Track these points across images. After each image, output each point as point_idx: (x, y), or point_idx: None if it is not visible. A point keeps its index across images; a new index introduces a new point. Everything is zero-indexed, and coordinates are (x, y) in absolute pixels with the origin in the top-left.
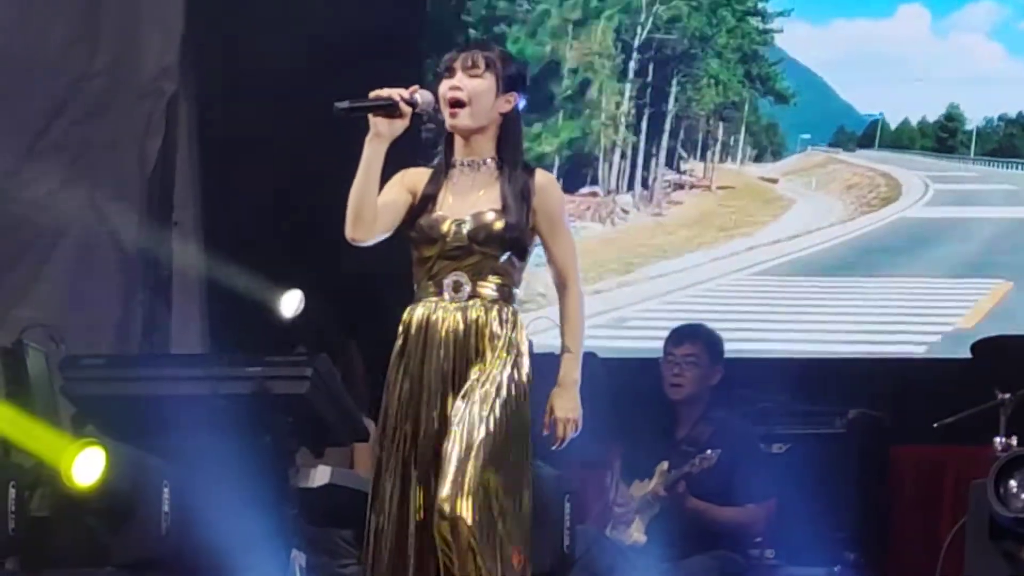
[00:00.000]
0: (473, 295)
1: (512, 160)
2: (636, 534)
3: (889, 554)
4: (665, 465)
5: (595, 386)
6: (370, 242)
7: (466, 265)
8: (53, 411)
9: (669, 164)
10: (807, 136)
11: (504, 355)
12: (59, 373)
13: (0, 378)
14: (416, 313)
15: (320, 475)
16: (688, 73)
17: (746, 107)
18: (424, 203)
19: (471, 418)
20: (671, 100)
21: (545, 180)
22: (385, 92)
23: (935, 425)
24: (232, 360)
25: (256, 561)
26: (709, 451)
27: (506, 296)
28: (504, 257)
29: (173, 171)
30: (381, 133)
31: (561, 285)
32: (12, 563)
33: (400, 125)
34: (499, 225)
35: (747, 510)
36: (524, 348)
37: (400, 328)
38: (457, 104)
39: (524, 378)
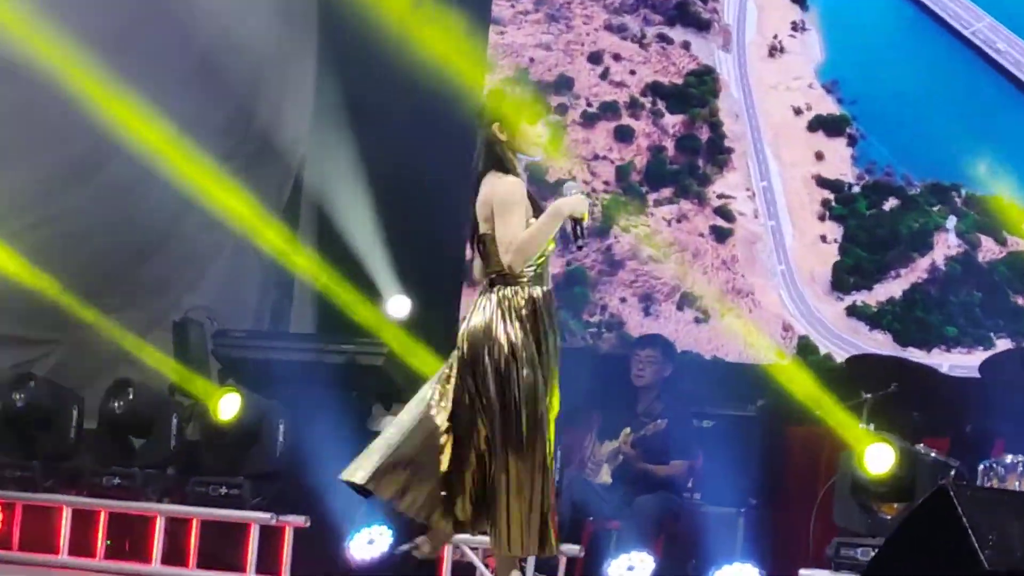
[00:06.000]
0: None
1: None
2: (604, 477)
3: (780, 501)
4: (628, 430)
5: (586, 374)
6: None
7: None
8: (206, 368)
9: None
10: None
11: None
12: (212, 341)
13: (171, 342)
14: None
15: (385, 422)
16: None
17: None
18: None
19: None
20: None
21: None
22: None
23: (818, 413)
24: (332, 339)
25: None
26: (659, 420)
27: None
28: None
29: (299, 207)
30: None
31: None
32: (172, 470)
33: None
34: None
35: (674, 466)
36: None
37: (532, 305)
38: None
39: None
